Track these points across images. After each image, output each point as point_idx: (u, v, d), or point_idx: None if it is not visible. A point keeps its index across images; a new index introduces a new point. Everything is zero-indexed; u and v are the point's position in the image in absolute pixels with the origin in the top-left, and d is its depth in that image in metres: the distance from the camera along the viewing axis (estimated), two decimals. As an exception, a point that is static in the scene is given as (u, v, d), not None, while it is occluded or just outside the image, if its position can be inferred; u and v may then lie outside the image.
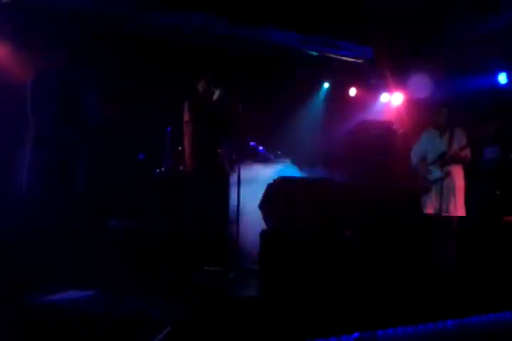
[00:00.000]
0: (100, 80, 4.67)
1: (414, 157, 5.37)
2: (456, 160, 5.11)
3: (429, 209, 5.06)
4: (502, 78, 6.17)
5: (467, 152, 5.13)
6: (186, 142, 4.67)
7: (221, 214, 4.63)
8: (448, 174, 5.08)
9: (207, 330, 3.08)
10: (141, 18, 5.84)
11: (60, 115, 4.29)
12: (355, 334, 3.03)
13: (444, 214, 4.97)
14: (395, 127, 6.40)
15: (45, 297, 3.54)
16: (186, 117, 4.63)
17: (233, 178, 4.64)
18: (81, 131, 4.38)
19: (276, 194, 4.35)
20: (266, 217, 4.27)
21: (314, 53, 7.06)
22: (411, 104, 7.38)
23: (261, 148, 5.94)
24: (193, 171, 4.60)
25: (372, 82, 7.79)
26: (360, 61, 7.38)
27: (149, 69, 6.03)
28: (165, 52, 6.12)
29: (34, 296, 3.51)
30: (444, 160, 5.13)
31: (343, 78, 7.73)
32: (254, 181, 4.82)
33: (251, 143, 5.62)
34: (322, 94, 7.84)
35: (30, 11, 5.16)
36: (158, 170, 6.30)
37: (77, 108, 4.41)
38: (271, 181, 4.63)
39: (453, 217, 5.01)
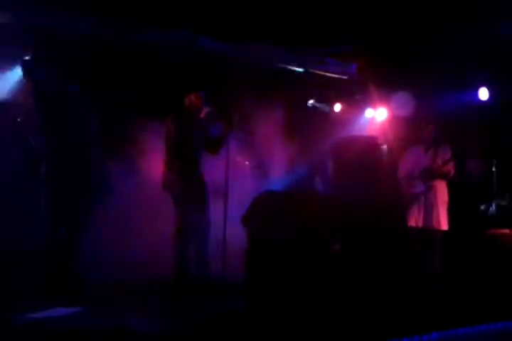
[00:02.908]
0: (93, 97, 4.72)
1: (400, 171, 5.45)
2: (439, 175, 5.19)
3: (412, 223, 5.13)
4: (483, 93, 6.27)
5: (450, 167, 5.21)
6: (167, 155, 4.71)
7: (203, 225, 4.65)
8: (431, 188, 5.16)
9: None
10: (129, 35, 5.90)
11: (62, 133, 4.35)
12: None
13: (426, 228, 5.05)
14: (379, 142, 6.46)
15: (30, 314, 3.51)
16: (170, 132, 4.67)
17: None
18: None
19: (261, 207, 4.36)
20: (250, 231, 4.28)
21: (300, 70, 7.14)
22: (395, 119, 7.47)
23: (247, 163, 5.99)
24: (173, 185, 4.63)
25: (357, 98, 7.88)
26: (344, 77, 7.48)
27: (137, 85, 6.06)
28: (150, 67, 6.16)
29: (20, 314, 3.48)
30: (428, 174, 5.21)
31: (328, 94, 7.81)
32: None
33: (237, 158, 5.66)
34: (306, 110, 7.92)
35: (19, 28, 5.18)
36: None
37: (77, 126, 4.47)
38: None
39: (437, 230, 5.07)
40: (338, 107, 8.02)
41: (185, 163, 4.66)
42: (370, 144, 6.50)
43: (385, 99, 7.52)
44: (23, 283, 3.94)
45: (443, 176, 5.23)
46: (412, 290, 4.30)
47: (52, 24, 5.32)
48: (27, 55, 5.04)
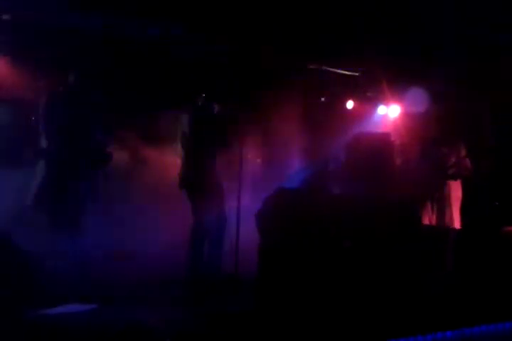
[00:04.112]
0: (104, 96, 4.72)
1: (413, 169, 5.41)
2: (454, 173, 5.13)
3: (425, 220, 5.10)
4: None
5: (466, 163, 5.15)
6: (183, 154, 4.72)
7: (219, 223, 4.66)
8: (445, 186, 5.11)
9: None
10: (142, 32, 5.92)
11: (70, 133, 4.35)
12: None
13: (439, 225, 5.01)
14: (392, 139, 6.43)
15: (44, 311, 3.53)
16: (184, 130, 4.68)
17: None
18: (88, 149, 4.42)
19: (274, 205, 4.36)
20: (263, 229, 4.28)
21: (312, 66, 7.13)
22: (408, 116, 7.42)
23: (258, 160, 5.99)
24: (189, 184, 4.65)
25: (370, 95, 7.85)
26: (357, 74, 7.45)
27: (150, 83, 6.08)
28: (165, 66, 6.17)
29: (34, 310, 3.50)
30: (442, 172, 5.16)
31: (340, 91, 7.79)
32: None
33: (249, 156, 5.66)
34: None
35: (32, 28, 5.20)
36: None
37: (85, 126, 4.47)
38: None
39: (451, 228, 5.03)
40: (350, 104, 7.99)
41: (200, 161, 4.66)
42: (382, 141, 6.47)
43: (397, 96, 7.49)
44: (35, 279, 3.96)
45: (459, 174, 5.16)
46: (425, 288, 4.28)
47: (56, 22, 5.36)
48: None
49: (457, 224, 5.06)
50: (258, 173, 5.87)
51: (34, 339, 3.07)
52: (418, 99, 6.76)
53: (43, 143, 4.39)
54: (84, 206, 4.50)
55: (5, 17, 5.11)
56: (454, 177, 5.14)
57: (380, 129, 7.49)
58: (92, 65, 4.82)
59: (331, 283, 3.96)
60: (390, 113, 7.79)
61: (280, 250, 4.15)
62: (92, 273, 4.26)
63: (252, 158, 5.79)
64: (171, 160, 5.11)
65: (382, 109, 7.90)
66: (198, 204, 4.60)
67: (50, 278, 3.98)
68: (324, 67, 7.18)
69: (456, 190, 5.16)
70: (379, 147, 6.33)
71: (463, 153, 5.18)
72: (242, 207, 4.77)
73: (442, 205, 5.06)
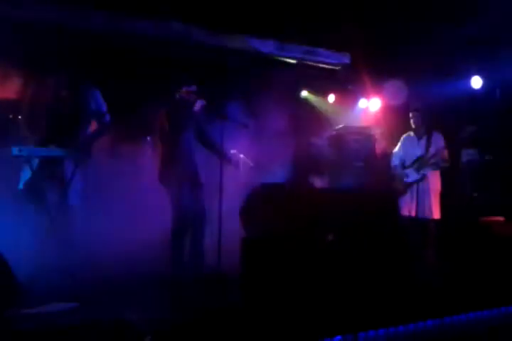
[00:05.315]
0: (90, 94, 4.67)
1: (393, 160, 5.47)
2: (432, 164, 5.19)
3: (405, 212, 5.16)
4: (475, 82, 6.28)
5: (444, 155, 5.22)
6: (162, 149, 4.71)
7: (198, 219, 4.67)
8: (424, 177, 5.17)
9: (187, 340, 3.09)
10: (124, 29, 5.89)
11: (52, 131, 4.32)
12: (337, 338, 3.07)
13: (419, 217, 5.08)
14: (372, 132, 6.49)
15: (24, 310, 3.51)
16: (163, 126, 4.67)
17: None
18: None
19: (256, 200, 4.38)
20: (246, 224, 4.29)
21: (292, 60, 7.14)
22: (389, 109, 7.47)
23: (242, 155, 5.99)
24: (168, 178, 4.63)
25: (350, 88, 7.89)
26: (337, 67, 7.48)
27: (128, 77, 6.05)
28: (144, 62, 6.14)
29: (14, 309, 3.47)
30: (421, 163, 5.22)
31: (321, 85, 7.82)
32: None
33: (231, 151, 5.65)
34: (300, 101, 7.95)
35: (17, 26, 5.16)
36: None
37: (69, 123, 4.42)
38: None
39: (430, 219, 5.10)
40: (331, 98, 8.03)
41: (179, 155, 4.65)
42: (363, 134, 6.53)
43: (378, 89, 7.53)
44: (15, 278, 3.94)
45: (438, 165, 5.23)
46: (406, 279, 4.33)
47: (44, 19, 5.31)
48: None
49: (436, 215, 5.13)
50: (240, 168, 5.87)
51: (14, 339, 3.05)
52: (397, 91, 6.81)
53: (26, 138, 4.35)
54: (62, 201, 4.45)
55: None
56: (433, 168, 5.20)
57: (361, 123, 7.54)
58: (74, 61, 4.78)
59: (315, 277, 3.99)
60: (370, 106, 7.83)
61: (264, 244, 4.16)
62: (75, 271, 4.23)
63: (234, 152, 5.79)
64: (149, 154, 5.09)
65: (363, 103, 7.94)
66: (177, 199, 4.58)
67: (31, 276, 3.96)
68: (306, 61, 7.20)
69: (435, 182, 5.23)
70: (360, 140, 6.40)
71: (441, 144, 5.24)
72: (225, 201, 4.77)
73: (422, 197, 5.12)
